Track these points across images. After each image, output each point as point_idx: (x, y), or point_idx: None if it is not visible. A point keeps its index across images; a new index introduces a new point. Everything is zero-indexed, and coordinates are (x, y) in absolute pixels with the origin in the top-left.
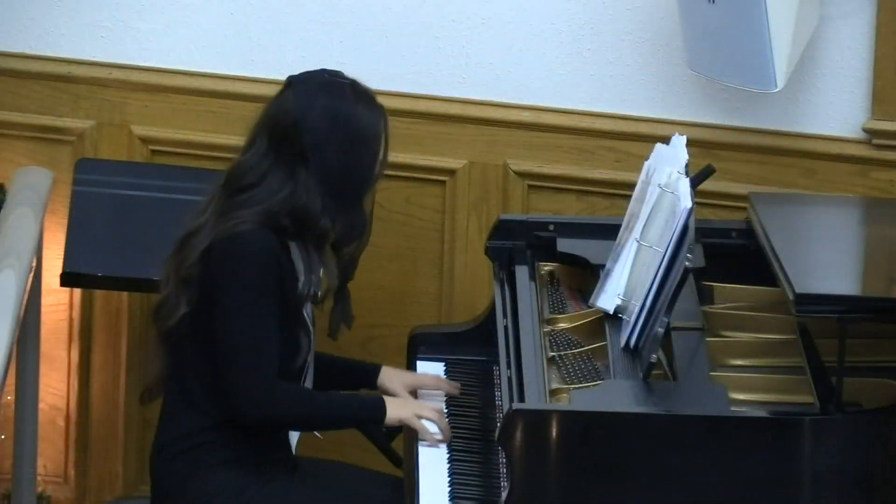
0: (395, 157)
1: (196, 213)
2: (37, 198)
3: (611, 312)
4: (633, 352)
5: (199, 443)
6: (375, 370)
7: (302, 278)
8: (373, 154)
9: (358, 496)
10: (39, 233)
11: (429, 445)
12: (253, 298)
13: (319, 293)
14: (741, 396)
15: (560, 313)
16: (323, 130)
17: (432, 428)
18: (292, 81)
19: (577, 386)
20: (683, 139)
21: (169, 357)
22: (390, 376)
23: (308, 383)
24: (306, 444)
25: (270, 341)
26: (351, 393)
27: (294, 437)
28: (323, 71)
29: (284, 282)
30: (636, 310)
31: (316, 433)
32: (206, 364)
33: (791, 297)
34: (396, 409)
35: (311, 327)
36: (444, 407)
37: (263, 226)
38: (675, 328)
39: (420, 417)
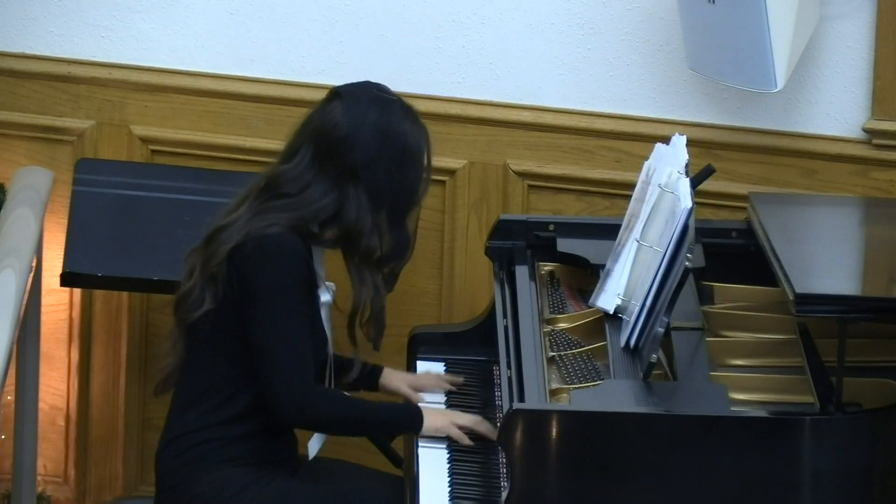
0: None
1: (227, 211)
2: (37, 198)
3: (611, 312)
4: (633, 352)
5: (206, 439)
6: (377, 371)
7: (321, 285)
8: (418, 172)
9: (358, 496)
10: (39, 233)
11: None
12: (289, 301)
13: (328, 302)
14: (741, 396)
15: (560, 313)
16: (374, 147)
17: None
18: (341, 93)
19: (577, 386)
20: (683, 139)
21: (186, 351)
22: (392, 376)
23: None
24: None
25: (306, 343)
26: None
27: (317, 442)
28: (369, 84)
29: (312, 287)
30: (636, 310)
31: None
32: (227, 362)
33: (791, 297)
34: (434, 419)
35: (328, 332)
36: (445, 407)
37: (292, 230)
38: (675, 328)
39: (457, 425)
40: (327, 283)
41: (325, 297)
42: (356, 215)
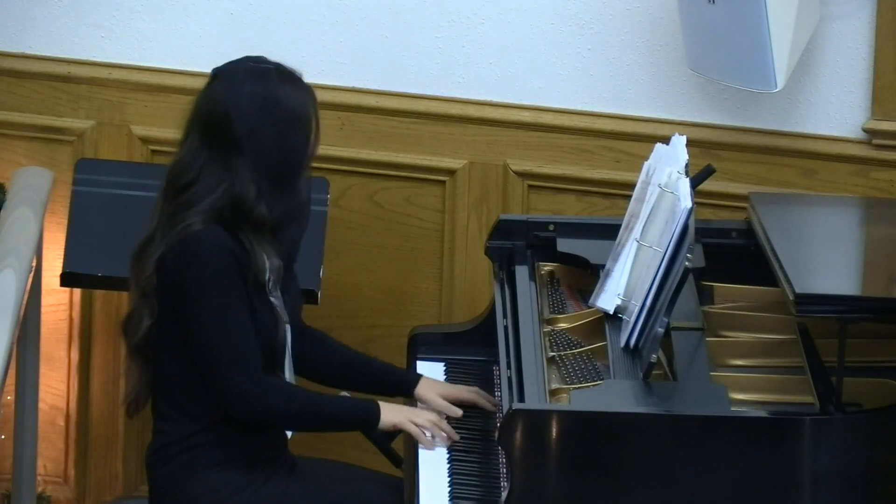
0: (395, 157)
1: (148, 221)
2: (37, 198)
3: (611, 312)
4: (633, 352)
5: (194, 444)
6: (415, 379)
7: (265, 267)
8: (304, 135)
9: (358, 496)
10: (39, 233)
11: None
12: (219, 297)
13: (273, 279)
14: (741, 396)
15: (560, 313)
16: (254, 117)
17: (428, 434)
18: (217, 73)
19: (577, 386)
20: (683, 139)
21: (145, 369)
22: (428, 387)
23: (288, 376)
24: (306, 445)
25: (246, 336)
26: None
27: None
28: (246, 58)
29: (245, 274)
30: (636, 310)
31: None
32: (183, 369)
33: (791, 297)
34: (391, 414)
35: (281, 316)
36: None
37: (210, 223)
38: (675, 328)
39: (414, 423)
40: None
41: (271, 276)
42: (241, 187)
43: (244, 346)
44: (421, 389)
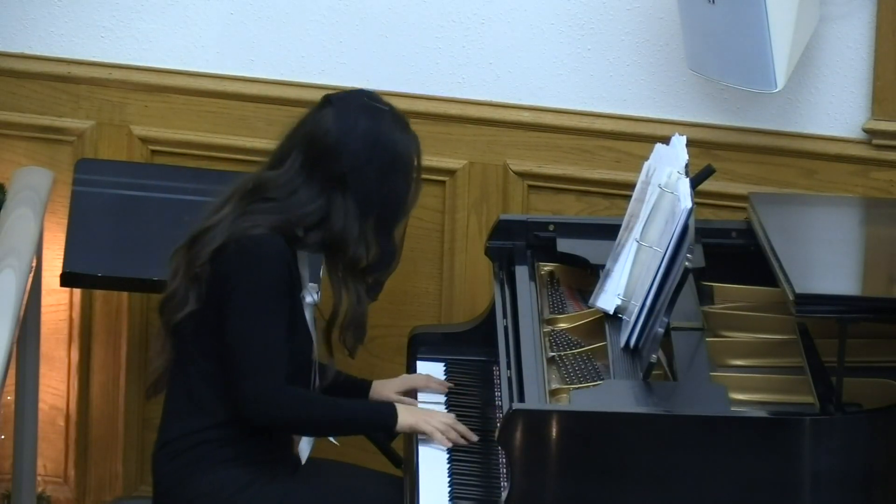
0: None
1: (211, 211)
2: (37, 198)
3: (611, 312)
4: (633, 352)
5: (201, 441)
6: (366, 386)
7: (307, 287)
8: (409, 182)
9: (358, 496)
10: (39, 233)
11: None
12: (265, 301)
13: (311, 303)
14: (741, 396)
15: (560, 313)
16: (363, 155)
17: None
18: (332, 100)
19: (577, 386)
20: (683, 139)
21: (174, 352)
22: (381, 388)
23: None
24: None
25: (280, 345)
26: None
27: (307, 445)
28: (362, 92)
29: (294, 289)
30: (636, 310)
31: (332, 440)
32: (211, 363)
33: (791, 297)
34: (407, 416)
35: (313, 335)
36: (445, 408)
37: (276, 232)
38: (675, 328)
39: (431, 424)
40: (311, 284)
41: (309, 298)
42: (343, 223)
43: (273, 353)
44: (374, 393)
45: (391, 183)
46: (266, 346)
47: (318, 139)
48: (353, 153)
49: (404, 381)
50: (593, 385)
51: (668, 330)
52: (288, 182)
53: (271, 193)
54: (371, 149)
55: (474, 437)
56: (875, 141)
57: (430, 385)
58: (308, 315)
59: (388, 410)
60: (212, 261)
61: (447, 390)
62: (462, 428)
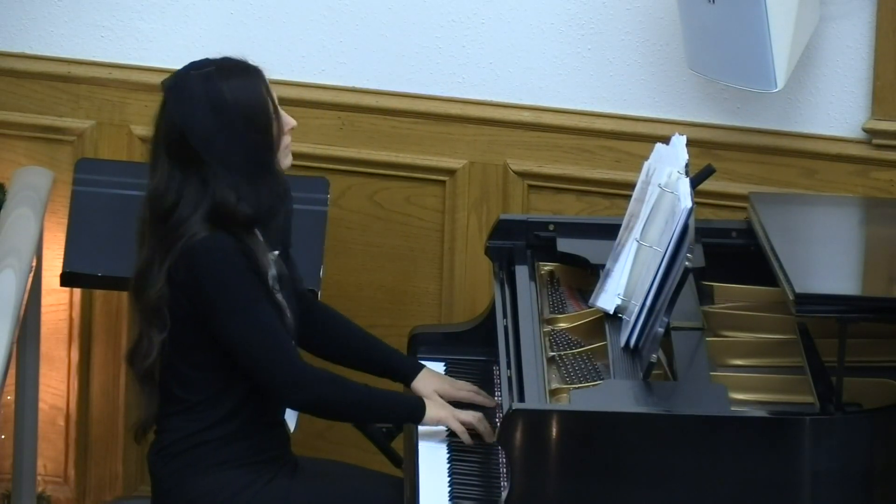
0: (395, 157)
1: (138, 257)
2: (37, 198)
3: (611, 312)
4: (633, 352)
5: (199, 443)
6: (414, 371)
7: (264, 263)
8: (263, 122)
9: (358, 496)
10: (39, 233)
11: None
12: (241, 295)
13: (275, 273)
14: (741, 396)
15: (560, 313)
16: (206, 126)
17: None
18: (165, 90)
19: (577, 386)
20: (683, 139)
21: (152, 395)
22: (426, 383)
23: None
24: (307, 445)
25: (277, 326)
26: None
27: (292, 415)
28: (189, 66)
29: (256, 270)
30: (636, 310)
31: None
32: (198, 371)
33: (791, 297)
34: (436, 410)
35: (287, 311)
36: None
37: (211, 230)
38: (675, 328)
39: (459, 420)
40: (270, 255)
41: (272, 272)
42: (220, 195)
43: (279, 337)
44: (418, 384)
45: (247, 132)
46: (268, 334)
47: (166, 133)
48: (196, 131)
49: (454, 390)
50: (593, 385)
51: (668, 330)
52: (168, 186)
53: (164, 204)
54: (217, 116)
55: (493, 438)
56: (875, 141)
57: (474, 400)
58: (277, 292)
59: (418, 403)
60: (168, 283)
61: (494, 405)
62: (486, 427)
